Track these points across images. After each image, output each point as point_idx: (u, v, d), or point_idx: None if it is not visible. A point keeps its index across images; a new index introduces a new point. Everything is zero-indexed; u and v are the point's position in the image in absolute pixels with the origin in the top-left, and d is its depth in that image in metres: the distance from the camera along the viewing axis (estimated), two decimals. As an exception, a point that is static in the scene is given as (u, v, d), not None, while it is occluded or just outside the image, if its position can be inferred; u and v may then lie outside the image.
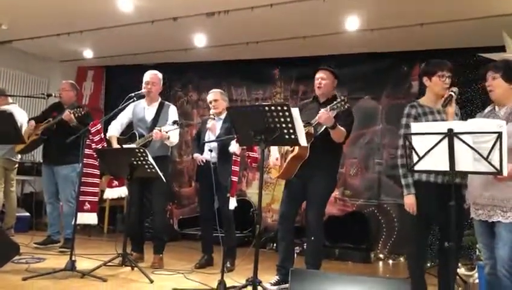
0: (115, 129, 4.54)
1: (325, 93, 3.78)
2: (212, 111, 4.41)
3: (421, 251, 3.14)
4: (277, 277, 3.69)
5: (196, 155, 4.42)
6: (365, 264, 5.28)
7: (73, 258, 3.66)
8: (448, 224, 2.43)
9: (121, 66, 7.31)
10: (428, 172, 2.89)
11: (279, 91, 6.54)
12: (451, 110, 2.94)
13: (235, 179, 3.90)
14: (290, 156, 3.63)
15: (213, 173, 4.17)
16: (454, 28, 4.77)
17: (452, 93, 2.94)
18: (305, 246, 4.06)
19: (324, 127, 3.49)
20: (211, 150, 4.28)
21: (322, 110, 3.40)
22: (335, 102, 3.38)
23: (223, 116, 4.41)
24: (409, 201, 2.98)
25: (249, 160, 4.13)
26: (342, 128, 3.52)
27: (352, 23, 4.98)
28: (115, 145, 4.43)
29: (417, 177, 2.99)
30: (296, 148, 3.55)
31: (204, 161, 4.32)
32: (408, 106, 3.18)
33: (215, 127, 4.29)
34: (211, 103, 4.47)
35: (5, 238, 3.80)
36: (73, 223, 3.98)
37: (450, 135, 2.38)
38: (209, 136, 4.34)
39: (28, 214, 6.05)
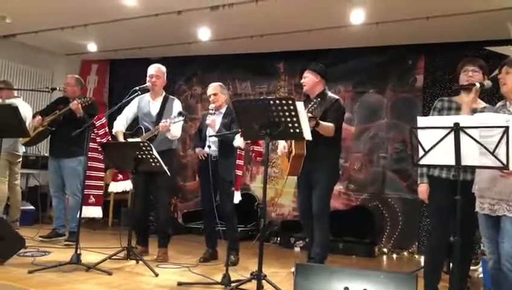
0: (120, 124, 4.53)
1: (310, 90, 4.02)
2: (211, 106, 4.34)
3: (435, 245, 3.16)
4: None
5: (198, 150, 4.40)
6: (369, 258, 5.29)
7: (78, 252, 3.67)
8: (456, 219, 2.43)
9: (125, 60, 7.29)
10: (434, 166, 2.92)
11: (284, 85, 6.52)
12: (466, 99, 2.94)
13: (239, 173, 3.90)
14: (291, 156, 3.81)
15: (211, 167, 4.18)
16: (460, 22, 4.73)
17: (477, 84, 2.93)
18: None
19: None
20: (209, 146, 4.27)
21: None
22: (310, 105, 3.63)
23: (223, 110, 4.39)
24: (420, 189, 3.17)
25: (253, 154, 4.12)
26: (328, 124, 3.74)
27: (357, 16, 4.94)
28: (121, 140, 4.42)
29: (430, 172, 3.10)
30: (294, 149, 3.75)
31: (206, 155, 4.31)
32: (438, 99, 3.25)
33: (214, 122, 4.22)
34: (210, 97, 4.41)
35: (10, 232, 3.82)
36: (78, 216, 3.99)
37: (456, 129, 2.37)
38: (209, 131, 4.29)
39: (33, 207, 6.08)
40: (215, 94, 4.39)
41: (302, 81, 4.06)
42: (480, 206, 2.71)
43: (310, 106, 3.61)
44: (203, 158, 4.33)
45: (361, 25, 5.09)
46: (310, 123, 3.53)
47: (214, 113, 4.29)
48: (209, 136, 4.29)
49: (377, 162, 5.86)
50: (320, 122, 3.66)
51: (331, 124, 3.75)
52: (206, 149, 4.32)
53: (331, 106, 3.83)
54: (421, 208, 5.41)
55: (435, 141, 2.44)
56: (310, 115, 3.53)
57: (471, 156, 2.37)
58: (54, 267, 3.57)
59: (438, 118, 2.90)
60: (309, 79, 3.99)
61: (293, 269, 3.89)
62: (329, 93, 4.01)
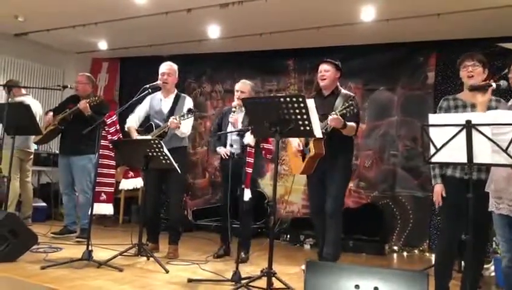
0: (133, 121, 4.55)
1: (328, 85, 3.92)
2: (234, 103, 4.30)
3: (446, 244, 3.13)
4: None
5: (219, 149, 4.39)
6: (379, 256, 5.26)
7: (89, 248, 3.71)
8: (468, 217, 2.41)
9: (135, 58, 7.32)
10: (446, 164, 2.89)
11: (293, 82, 6.50)
12: (481, 99, 2.83)
13: (249, 170, 3.89)
14: (308, 156, 3.76)
15: (231, 166, 4.13)
16: (471, 18, 4.69)
17: (493, 84, 2.82)
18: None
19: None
20: (231, 145, 4.24)
21: (332, 114, 3.56)
22: (343, 106, 3.57)
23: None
24: (436, 189, 3.08)
25: (263, 151, 4.12)
26: (352, 123, 3.69)
27: (367, 13, 4.91)
28: (134, 136, 4.44)
29: (443, 171, 3.05)
30: (313, 149, 3.71)
31: (229, 154, 4.29)
32: (442, 99, 3.21)
33: (237, 121, 4.21)
34: (237, 91, 4.32)
35: (23, 228, 3.87)
36: (89, 213, 4.02)
37: (468, 126, 2.35)
38: (231, 129, 4.27)
39: (44, 204, 6.14)
40: (243, 92, 4.29)
41: (321, 74, 3.91)
42: (496, 206, 2.68)
43: (344, 107, 3.56)
44: (226, 157, 4.30)
45: (372, 21, 5.06)
46: (337, 126, 3.56)
47: (235, 111, 4.25)
48: (218, 133, 4.30)
49: (388, 160, 5.82)
50: (348, 123, 3.63)
51: (354, 124, 3.73)
52: (228, 148, 4.30)
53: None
54: (432, 205, 5.36)
55: (446, 139, 2.42)
56: (340, 117, 3.52)
57: (484, 153, 2.35)
58: (66, 263, 3.62)
59: (450, 115, 2.86)
60: (331, 73, 3.89)
61: (303, 267, 3.92)
62: (343, 90, 3.95)
